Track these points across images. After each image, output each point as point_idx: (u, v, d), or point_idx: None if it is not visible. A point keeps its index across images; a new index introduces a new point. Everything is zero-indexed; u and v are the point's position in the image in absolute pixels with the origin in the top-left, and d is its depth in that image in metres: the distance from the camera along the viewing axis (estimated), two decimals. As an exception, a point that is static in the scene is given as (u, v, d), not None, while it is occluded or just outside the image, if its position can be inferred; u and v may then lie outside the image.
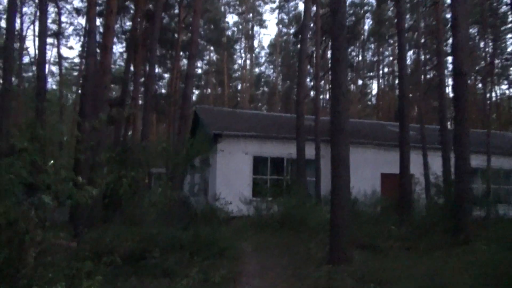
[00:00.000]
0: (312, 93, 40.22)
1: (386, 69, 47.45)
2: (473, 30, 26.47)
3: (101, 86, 11.17)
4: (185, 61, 28.79)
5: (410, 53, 33.59)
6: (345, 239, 6.20)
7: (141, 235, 6.75)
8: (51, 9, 31.76)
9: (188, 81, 11.43)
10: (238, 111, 24.75)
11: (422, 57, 29.68)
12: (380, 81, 46.79)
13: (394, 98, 45.11)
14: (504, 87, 35.19)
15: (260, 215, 10.80)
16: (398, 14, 12.83)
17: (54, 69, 42.18)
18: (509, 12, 19.57)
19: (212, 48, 47.29)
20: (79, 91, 27.62)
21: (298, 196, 10.25)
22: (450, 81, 26.38)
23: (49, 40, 37.19)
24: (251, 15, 47.54)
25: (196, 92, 55.79)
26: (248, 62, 51.29)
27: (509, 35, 26.50)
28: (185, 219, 9.02)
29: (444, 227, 8.58)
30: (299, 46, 17.11)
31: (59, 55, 33.96)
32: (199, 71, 48.15)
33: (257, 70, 55.22)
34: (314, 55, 16.45)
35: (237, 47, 50.72)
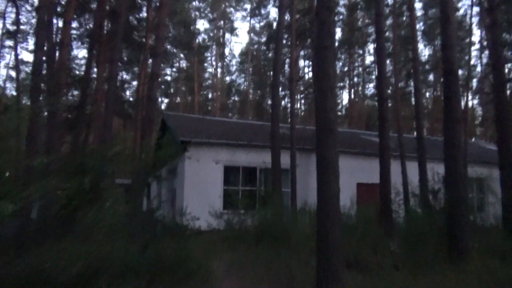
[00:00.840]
0: (285, 99, 39.64)
1: (356, 79, 47.94)
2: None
3: (56, 83, 9.93)
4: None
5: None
6: (336, 258, 5.24)
7: (88, 256, 5.48)
8: (9, 9, 29.69)
9: (153, 81, 10.29)
10: (208, 118, 23.64)
11: (392, 67, 29.88)
12: (352, 90, 47.05)
13: (364, 108, 45.50)
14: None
15: (232, 229, 9.69)
16: (377, 16, 12.31)
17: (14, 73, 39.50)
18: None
19: (182, 55, 46.11)
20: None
21: (275, 208, 9.24)
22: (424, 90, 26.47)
23: (8, 42, 34.90)
24: (222, 22, 46.83)
25: (166, 100, 54.27)
26: (219, 70, 50.40)
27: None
28: (146, 235, 7.80)
29: (436, 239, 7.81)
30: (272, 48, 16.30)
31: (16, 58, 31.61)
32: (168, 78, 46.78)
33: (228, 78, 54.42)
34: (289, 59, 15.69)
35: (208, 55, 49.82)
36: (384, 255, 7.91)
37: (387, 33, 26.56)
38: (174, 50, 43.41)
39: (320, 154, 5.67)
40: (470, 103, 37.22)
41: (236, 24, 47.27)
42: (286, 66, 25.26)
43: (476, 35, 69.91)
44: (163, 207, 21.07)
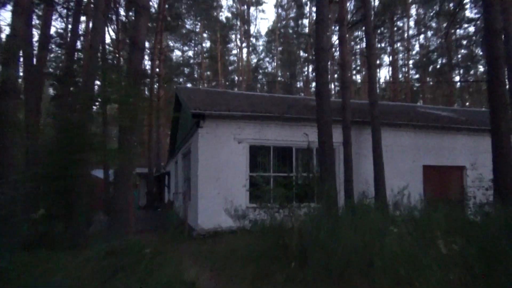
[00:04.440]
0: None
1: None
2: None
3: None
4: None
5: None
6: None
7: None
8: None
9: (138, 17, 6.83)
10: (230, 91, 20.16)
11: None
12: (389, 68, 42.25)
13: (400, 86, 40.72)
14: None
15: (262, 235, 6.25)
16: None
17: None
18: None
19: (205, 35, 42.82)
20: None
21: (328, 204, 5.72)
22: None
23: None
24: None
25: (189, 85, 51.35)
26: (244, 50, 46.72)
27: None
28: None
29: None
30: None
31: None
32: (191, 60, 43.72)
33: (254, 60, 50.71)
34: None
35: (232, 36, 46.28)
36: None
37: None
38: (197, 29, 40.23)
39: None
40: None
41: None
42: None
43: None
44: (176, 200, 18.01)
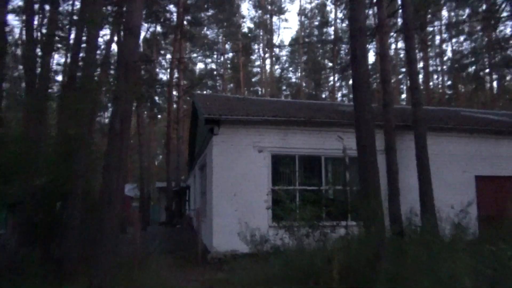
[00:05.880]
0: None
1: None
2: None
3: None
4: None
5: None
6: None
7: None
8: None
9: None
10: (250, 98, 18.82)
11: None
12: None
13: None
14: None
15: (287, 268, 4.73)
16: None
17: None
18: None
19: (227, 46, 42.07)
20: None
21: (377, 227, 4.16)
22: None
23: None
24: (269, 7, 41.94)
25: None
26: (267, 61, 45.57)
27: None
28: None
29: None
30: None
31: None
32: (213, 71, 42.99)
33: (278, 71, 49.47)
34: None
35: (255, 47, 45.30)
36: None
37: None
38: (220, 39, 39.48)
39: None
40: None
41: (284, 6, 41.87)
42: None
43: None
44: (194, 217, 16.64)
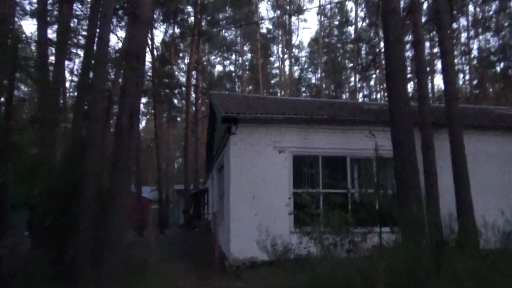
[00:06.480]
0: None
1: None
2: None
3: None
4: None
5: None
6: None
7: None
8: None
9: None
10: (269, 97, 18.21)
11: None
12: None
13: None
14: None
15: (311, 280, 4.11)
16: None
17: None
18: None
19: (245, 48, 41.69)
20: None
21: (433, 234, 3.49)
22: None
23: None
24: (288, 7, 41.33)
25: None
26: (287, 62, 44.90)
27: None
28: None
29: None
30: None
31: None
32: (232, 73, 42.67)
33: (297, 72, 48.73)
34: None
35: (274, 48, 44.73)
36: None
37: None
38: (238, 39, 39.12)
39: None
40: None
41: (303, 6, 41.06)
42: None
43: None
44: (208, 220, 16.10)
